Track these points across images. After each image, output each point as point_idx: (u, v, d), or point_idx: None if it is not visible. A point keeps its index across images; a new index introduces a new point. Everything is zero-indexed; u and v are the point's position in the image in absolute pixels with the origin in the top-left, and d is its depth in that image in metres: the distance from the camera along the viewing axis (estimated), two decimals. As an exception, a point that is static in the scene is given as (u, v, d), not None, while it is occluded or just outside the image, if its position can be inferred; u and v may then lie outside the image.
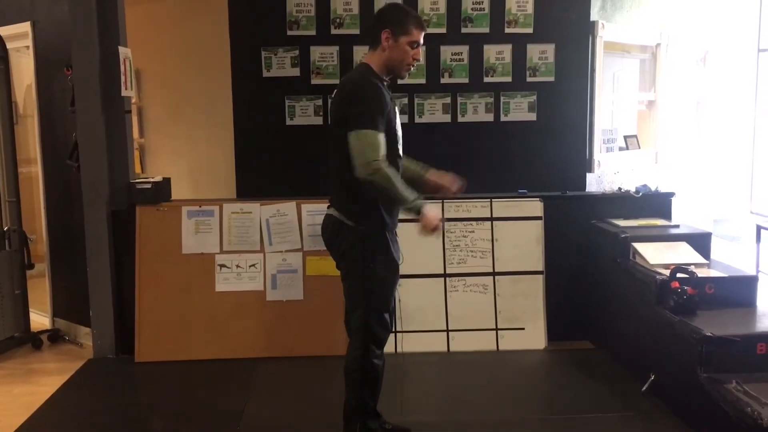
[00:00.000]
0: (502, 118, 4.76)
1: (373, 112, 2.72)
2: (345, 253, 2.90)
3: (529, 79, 4.74)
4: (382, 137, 2.71)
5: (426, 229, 2.78)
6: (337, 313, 4.23)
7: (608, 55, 5.12)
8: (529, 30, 4.70)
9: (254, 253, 4.30)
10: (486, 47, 4.70)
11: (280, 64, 4.64)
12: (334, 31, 4.64)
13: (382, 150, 2.70)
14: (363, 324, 2.88)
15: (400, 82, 4.53)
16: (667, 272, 3.59)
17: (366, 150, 2.68)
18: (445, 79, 4.71)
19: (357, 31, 4.63)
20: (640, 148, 5.73)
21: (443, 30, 4.65)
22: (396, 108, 2.93)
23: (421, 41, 2.87)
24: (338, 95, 2.86)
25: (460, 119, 4.75)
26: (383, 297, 2.91)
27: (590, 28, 4.86)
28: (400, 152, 2.94)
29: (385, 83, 2.89)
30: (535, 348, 4.39)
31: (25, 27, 4.75)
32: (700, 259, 3.83)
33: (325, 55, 4.65)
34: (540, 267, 4.46)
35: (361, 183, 2.70)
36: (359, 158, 2.68)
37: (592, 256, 4.40)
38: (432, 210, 2.78)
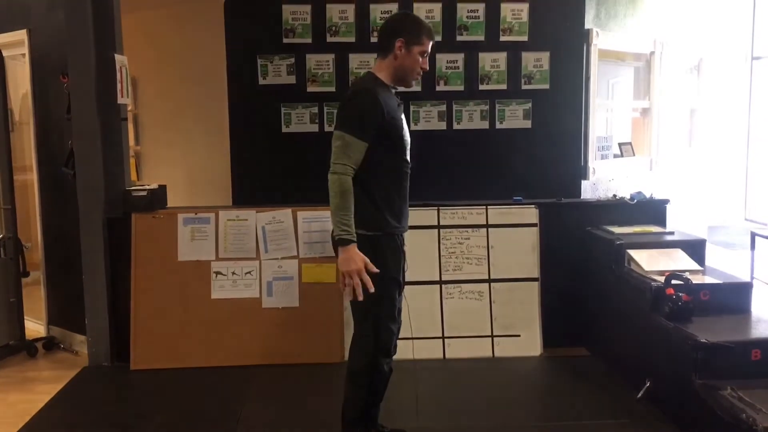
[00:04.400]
0: (498, 126, 4.78)
1: (359, 118, 2.74)
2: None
3: (524, 87, 4.77)
4: (359, 145, 2.73)
5: (341, 270, 2.71)
6: (333, 321, 4.26)
7: (603, 63, 5.14)
8: (524, 38, 4.73)
9: (250, 261, 4.30)
10: (481, 55, 4.73)
11: (276, 72, 4.66)
12: (329, 39, 4.66)
13: (353, 158, 2.72)
14: (372, 331, 2.88)
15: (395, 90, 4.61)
16: (661, 279, 3.60)
17: (337, 152, 2.73)
18: (441, 87, 4.73)
19: (353, 39, 4.65)
20: (634, 155, 5.75)
21: (439, 38, 4.66)
22: (402, 116, 2.95)
23: (429, 51, 2.92)
24: (341, 105, 2.88)
25: (455, 126, 4.77)
26: (391, 304, 2.91)
27: (585, 36, 4.89)
28: (408, 158, 2.96)
29: (392, 91, 2.92)
30: (530, 355, 4.39)
31: (21, 35, 4.76)
32: (695, 266, 3.84)
33: (320, 63, 4.67)
34: (535, 274, 4.47)
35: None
36: (332, 158, 2.73)
37: (587, 263, 4.41)
38: (357, 254, 2.69)
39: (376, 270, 2.74)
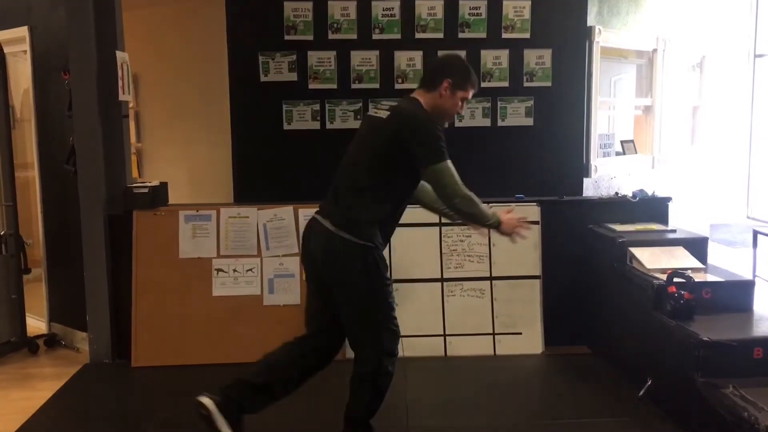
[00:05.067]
0: (499, 123, 4.77)
1: (441, 144, 2.82)
2: (358, 275, 2.85)
3: (526, 84, 4.75)
4: (453, 166, 2.84)
5: (509, 234, 2.97)
6: (334, 318, 4.25)
7: (605, 60, 5.13)
8: (526, 35, 4.71)
9: (251, 258, 4.30)
10: (483, 52, 4.71)
11: (278, 69, 4.65)
12: (331, 36, 4.64)
13: (459, 177, 2.85)
14: (377, 337, 2.90)
15: (397, 86, 4.61)
16: (664, 277, 3.59)
17: (451, 181, 2.82)
18: (443, 84, 4.72)
19: (354, 36, 4.64)
20: (636, 153, 5.75)
21: (440, 35, 4.66)
22: None
23: (470, 98, 3.02)
24: (396, 121, 2.86)
25: (457, 124, 4.75)
26: (389, 307, 2.93)
27: (587, 34, 4.87)
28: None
29: None
30: (532, 353, 4.39)
31: (23, 31, 4.75)
32: (697, 264, 3.83)
33: (322, 60, 4.66)
34: (537, 272, 4.46)
35: (452, 210, 2.94)
36: (448, 191, 2.84)
37: (589, 261, 4.40)
38: (504, 215, 2.96)
39: (512, 208, 3.07)
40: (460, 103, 2.95)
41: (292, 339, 3.08)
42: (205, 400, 2.87)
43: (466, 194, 2.84)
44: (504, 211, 2.99)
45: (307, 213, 4.26)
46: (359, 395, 2.98)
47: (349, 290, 2.89)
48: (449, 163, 2.81)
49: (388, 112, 2.89)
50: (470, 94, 2.98)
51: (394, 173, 2.85)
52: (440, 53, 4.27)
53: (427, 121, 2.84)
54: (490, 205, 4.43)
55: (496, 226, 2.93)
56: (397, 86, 4.61)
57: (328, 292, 2.93)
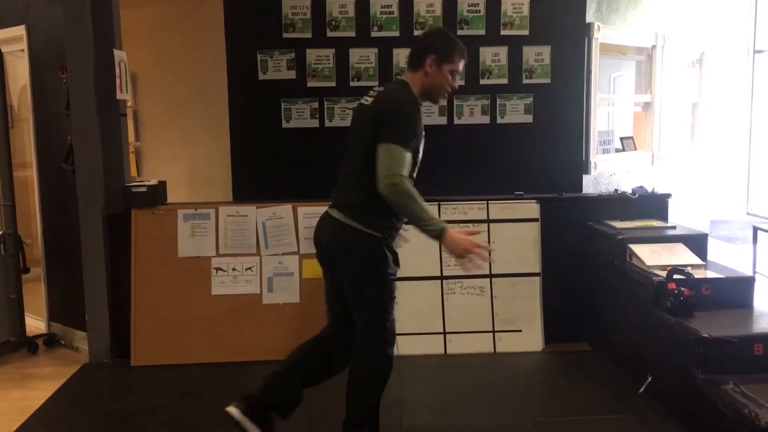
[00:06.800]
0: (499, 120, 4.76)
1: (408, 130, 2.74)
2: (364, 262, 2.85)
3: (525, 81, 4.75)
4: (409, 156, 2.73)
5: (458, 256, 2.73)
6: (334, 316, 4.24)
7: (604, 56, 5.13)
8: (525, 32, 4.71)
9: (250, 257, 4.29)
10: (482, 49, 4.71)
11: (276, 67, 4.64)
12: (329, 34, 4.64)
13: (406, 168, 2.72)
14: (382, 328, 2.90)
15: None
16: (663, 273, 3.59)
17: (391, 164, 2.69)
18: (441, 82, 4.71)
19: (353, 34, 4.64)
20: (636, 149, 5.74)
21: (439, 32, 4.65)
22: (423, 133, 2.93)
23: (461, 70, 2.91)
24: (377, 104, 2.83)
25: (456, 121, 4.75)
26: (392, 299, 2.93)
27: (586, 30, 4.87)
28: (414, 174, 2.92)
29: (420, 106, 2.90)
30: (532, 350, 4.38)
31: (20, 30, 4.75)
32: (697, 261, 3.83)
33: (320, 58, 4.65)
34: (537, 269, 4.45)
35: (385, 198, 2.71)
36: (382, 171, 2.69)
37: (588, 258, 4.40)
38: (454, 237, 2.70)
39: (479, 231, 2.86)
40: (450, 77, 2.86)
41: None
42: (231, 410, 2.89)
43: (401, 183, 2.66)
44: (464, 231, 2.80)
45: (306, 211, 4.27)
46: (368, 392, 2.97)
47: (352, 278, 2.90)
48: (403, 151, 2.68)
49: (374, 98, 2.88)
50: (459, 65, 2.88)
51: None
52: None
53: (406, 105, 2.78)
54: (488, 203, 4.49)
55: (437, 235, 2.70)
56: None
57: (339, 280, 2.94)
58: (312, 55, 4.65)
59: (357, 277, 2.89)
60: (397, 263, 2.90)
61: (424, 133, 2.90)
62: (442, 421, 3.46)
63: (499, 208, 4.45)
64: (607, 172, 5.32)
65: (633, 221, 4.37)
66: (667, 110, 5.86)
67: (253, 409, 2.91)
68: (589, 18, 4.91)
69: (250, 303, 4.27)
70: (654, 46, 5.62)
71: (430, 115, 4.71)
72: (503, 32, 4.70)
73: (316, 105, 4.67)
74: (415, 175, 2.92)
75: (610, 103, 5.89)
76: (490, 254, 2.97)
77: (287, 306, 4.28)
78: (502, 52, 4.72)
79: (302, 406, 3.61)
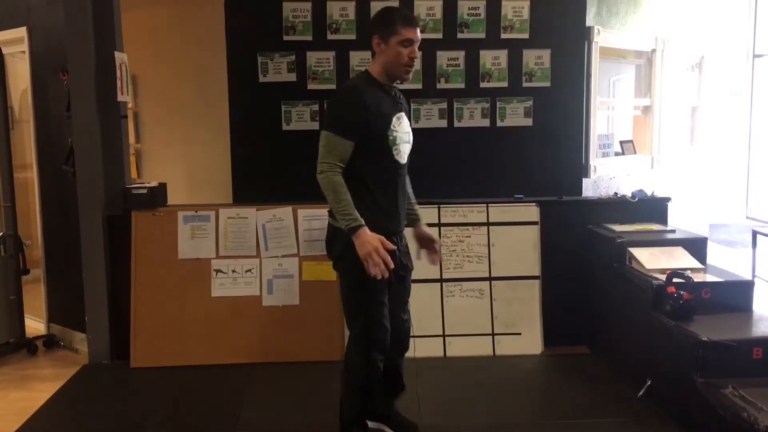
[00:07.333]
0: (498, 124, 4.77)
1: (342, 117, 2.75)
2: (338, 256, 2.89)
3: (525, 85, 4.75)
4: (344, 144, 2.72)
5: (362, 257, 2.68)
6: (333, 319, 4.25)
7: (604, 60, 5.13)
8: (525, 35, 4.71)
9: (250, 259, 4.29)
10: (482, 53, 4.71)
11: (277, 70, 4.65)
12: (330, 37, 4.64)
13: (339, 156, 2.72)
14: (364, 329, 2.88)
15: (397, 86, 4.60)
16: (663, 277, 3.59)
17: (321, 151, 2.74)
18: (441, 85, 4.72)
19: (353, 37, 4.64)
20: (636, 153, 5.74)
21: (439, 35, 4.66)
22: (399, 114, 2.89)
23: (415, 38, 2.82)
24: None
25: (456, 124, 4.76)
26: (380, 301, 2.87)
27: (586, 34, 4.87)
28: (399, 161, 2.89)
29: (388, 89, 2.88)
30: (531, 353, 4.38)
31: (21, 32, 4.75)
32: (697, 264, 3.83)
33: (321, 61, 4.66)
34: (536, 272, 4.46)
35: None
36: (319, 158, 2.75)
37: (588, 261, 4.40)
38: (368, 235, 2.68)
39: (392, 246, 2.75)
40: (403, 49, 2.77)
41: None
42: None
43: (324, 171, 2.70)
44: (380, 239, 2.70)
45: (306, 213, 4.28)
46: (351, 391, 2.98)
47: (339, 274, 2.95)
48: (334, 137, 2.70)
49: None
50: (407, 33, 2.76)
51: (355, 151, 2.76)
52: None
53: (342, 92, 2.84)
54: (488, 206, 4.49)
55: (351, 230, 2.69)
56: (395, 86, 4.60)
57: None
58: (312, 57, 4.65)
59: (339, 273, 2.94)
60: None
61: (403, 117, 2.89)
62: (441, 423, 3.45)
63: (498, 211, 4.46)
64: (607, 176, 5.33)
65: (632, 225, 4.37)
66: (667, 114, 5.87)
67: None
68: (588, 22, 4.92)
69: (249, 305, 4.27)
70: (654, 50, 5.63)
71: (431, 118, 4.72)
72: (503, 36, 4.71)
73: (316, 107, 4.68)
74: (401, 159, 2.89)
75: (610, 107, 5.90)
76: (441, 263, 3.02)
77: (287, 308, 4.28)
78: (502, 55, 4.73)
79: (302, 406, 3.62)
